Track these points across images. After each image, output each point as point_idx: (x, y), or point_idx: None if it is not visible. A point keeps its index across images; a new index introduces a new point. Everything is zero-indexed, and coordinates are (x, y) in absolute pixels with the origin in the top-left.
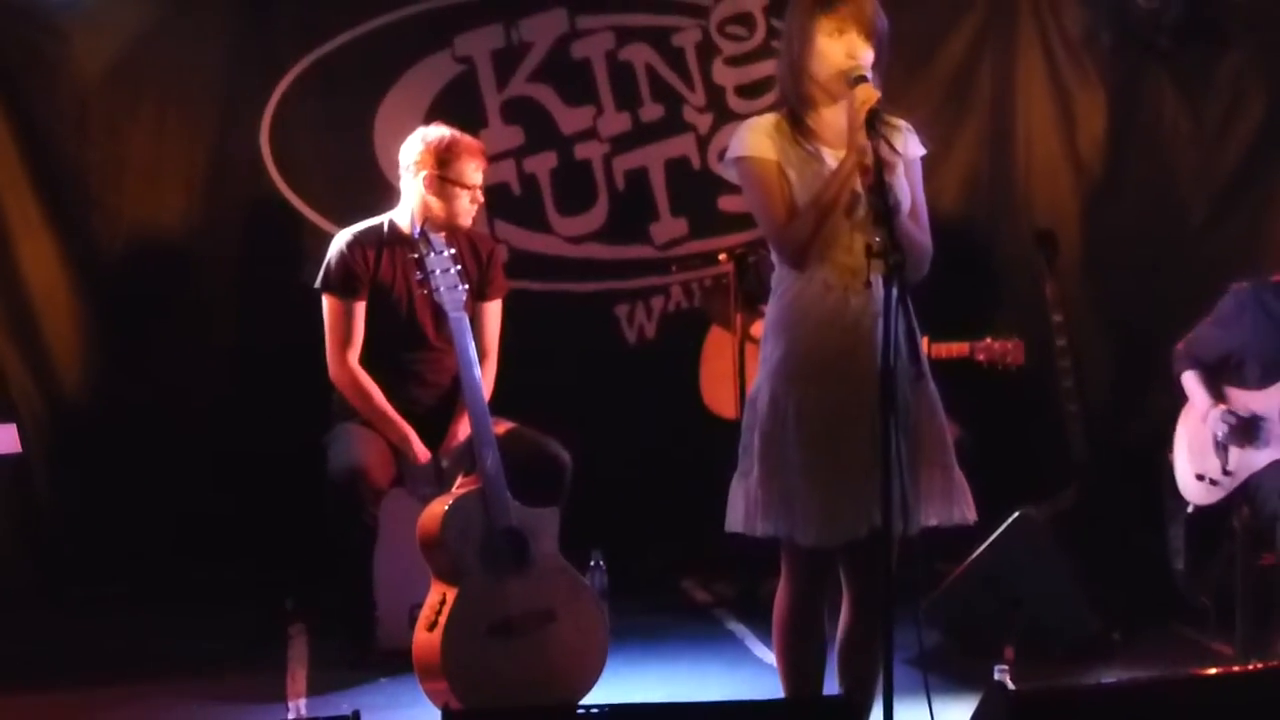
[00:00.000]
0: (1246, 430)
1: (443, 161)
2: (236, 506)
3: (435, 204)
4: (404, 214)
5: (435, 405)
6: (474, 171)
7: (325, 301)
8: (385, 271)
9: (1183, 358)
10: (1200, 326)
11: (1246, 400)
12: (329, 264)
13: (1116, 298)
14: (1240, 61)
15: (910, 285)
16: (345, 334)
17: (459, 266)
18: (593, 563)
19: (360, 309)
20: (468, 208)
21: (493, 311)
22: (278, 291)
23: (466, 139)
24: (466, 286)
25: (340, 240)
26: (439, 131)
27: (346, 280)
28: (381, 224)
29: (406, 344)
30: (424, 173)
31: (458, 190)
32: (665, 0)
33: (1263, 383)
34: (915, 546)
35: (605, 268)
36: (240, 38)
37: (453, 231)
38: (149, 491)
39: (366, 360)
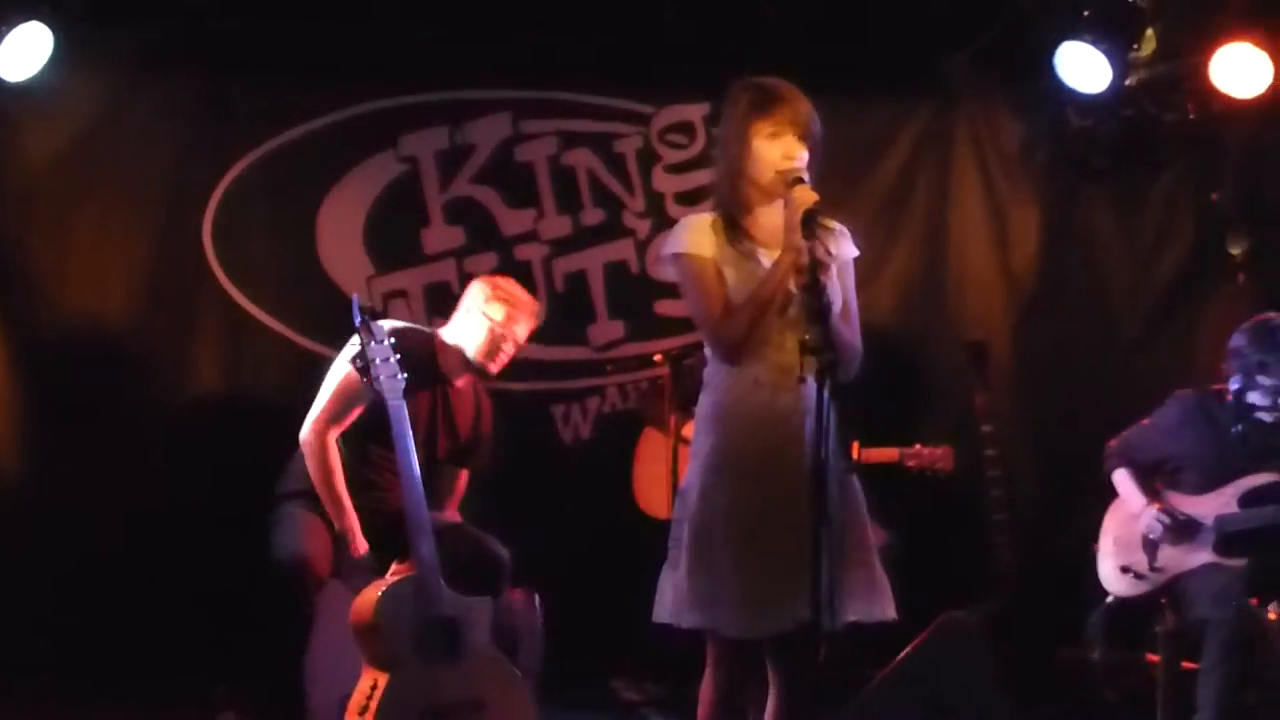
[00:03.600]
0: (1182, 531)
1: (491, 300)
2: (174, 590)
3: (481, 345)
4: (450, 336)
5: (382, 497)
6: (508, 322)
7: (344, 372)
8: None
9: (1116, 455)
10: (1138, 428)
11: (1185, 504)
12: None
13: (1047, 411)
14: (1173, 181)
15: (840, 384)
16: (341, 409)
17: (399, 356)
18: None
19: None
20: (493, 352)
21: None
22: (217, 383)
23: (523, 294)
24: (405, 376)
25: (391, 326)
26: (505, 280)
27: None
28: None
29: (381, 443)
30: (471, 304)
31: (488, 331)
32: (608, 107)
33: (1201, 489)
34: (841, 643)
35: (543, 368)
36: (186, 133)
37: (474, 384)
38: (80, 577)
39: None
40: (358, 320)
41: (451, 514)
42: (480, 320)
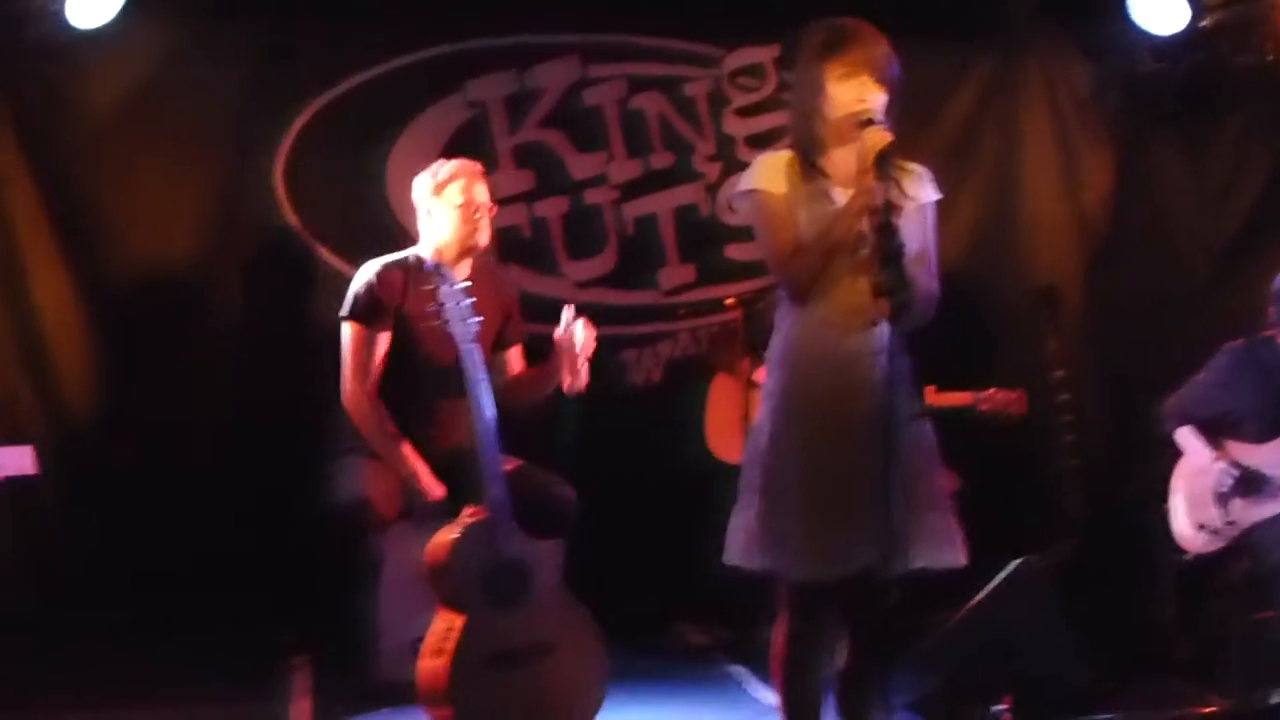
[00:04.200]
0: (1250, 483)
1: (439, 189)
2: (241, 536)
3: (447, 233)
4: (426, 249)
5: (445, 439)
6: (465, 191)
7: (349, 329)
8: (411, 305)
9: (1174, 414)
10: (1193, 384)
11: (1249, 454)
12: (357, 293)
13: (1118, 355)
14: (1243, 125)
15: (914, 328)
16: (365, 363)
17: (473, 299)
18: None
19: (383, 339)
20: (472, 227)
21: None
22: (288, 326)
23: (458, 161)
24: (480, 319)
25: (369, 270)
26: (436, 164)
27: (372, 309)
28: (407, 258)
29: (426, 379)
30: (426, 204)
31: (455, 213)
32: (678, 50)
33: (1264, 437)
34: (909, 589)
35: (613, 313)
36: (255, 76)
37: (479, 270)
38: (154, 520)
39: (383, 394)
40: (429, 265)
41: (531, 381)
42: (443, 211)
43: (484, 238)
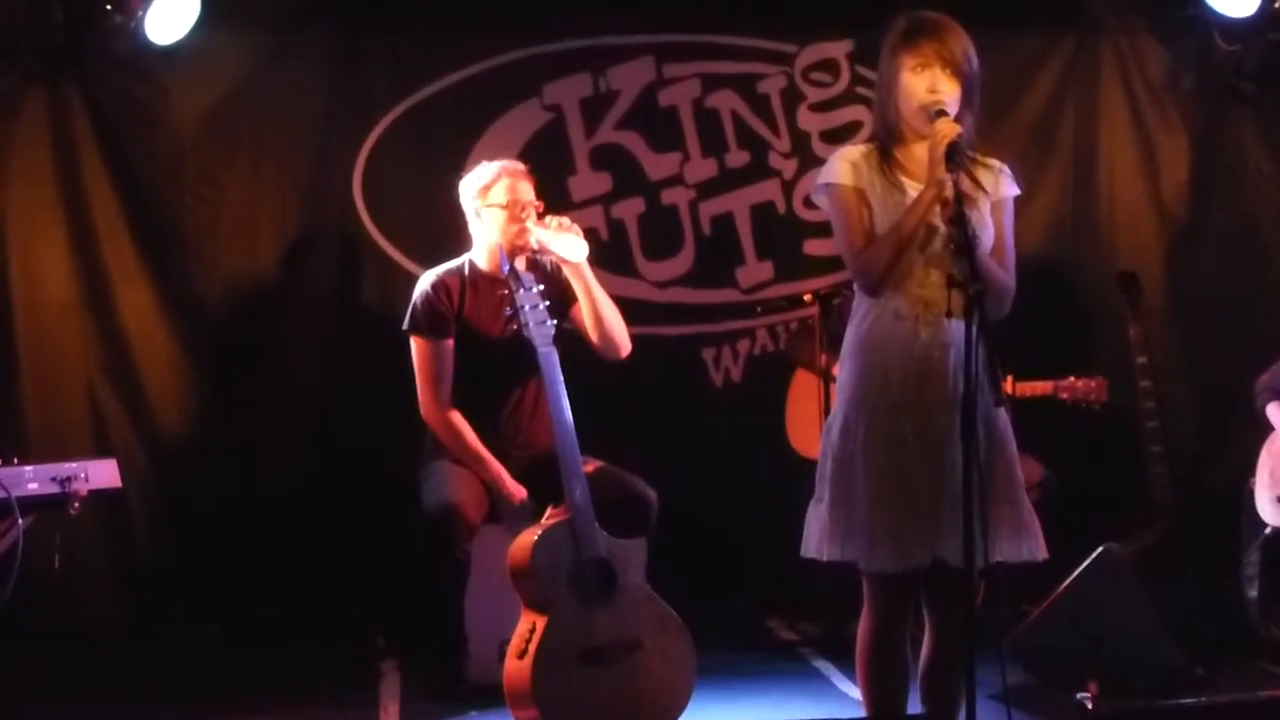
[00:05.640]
0: None
1: (484, 191)
2: (328, 544)
3: (495, 233)
4: (480, 253)
5: (526, 442)
6: (510, 190)
7: (413, 343)
8: (470, 310)
9: (1265, 390)
10: None
11: None
12: (415, 306)
13: (1200, 340)
14: None
15: (990, 322)
16: (435, 374)
17: (547, 303)
18: None
19: (448, 348)
20: (520, 226)
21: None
22: (370, 335)
23: (500, 162)
24: (555, 322)
25: (425, 281)
26: (479, 167)
27: (433, 320)
28: (463, 264)
29: (495, 382)
30: (474, 207)
31: (501, 212)
32: (751, 48)
33: None
34: (997, 581)
35: (692, 312)
36: (334, 87)
37: (531, 261)
38: (242, 530)
39: (456, 400)
40: (505, 270)
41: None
42: (490, 213)
43: (529, 237)
